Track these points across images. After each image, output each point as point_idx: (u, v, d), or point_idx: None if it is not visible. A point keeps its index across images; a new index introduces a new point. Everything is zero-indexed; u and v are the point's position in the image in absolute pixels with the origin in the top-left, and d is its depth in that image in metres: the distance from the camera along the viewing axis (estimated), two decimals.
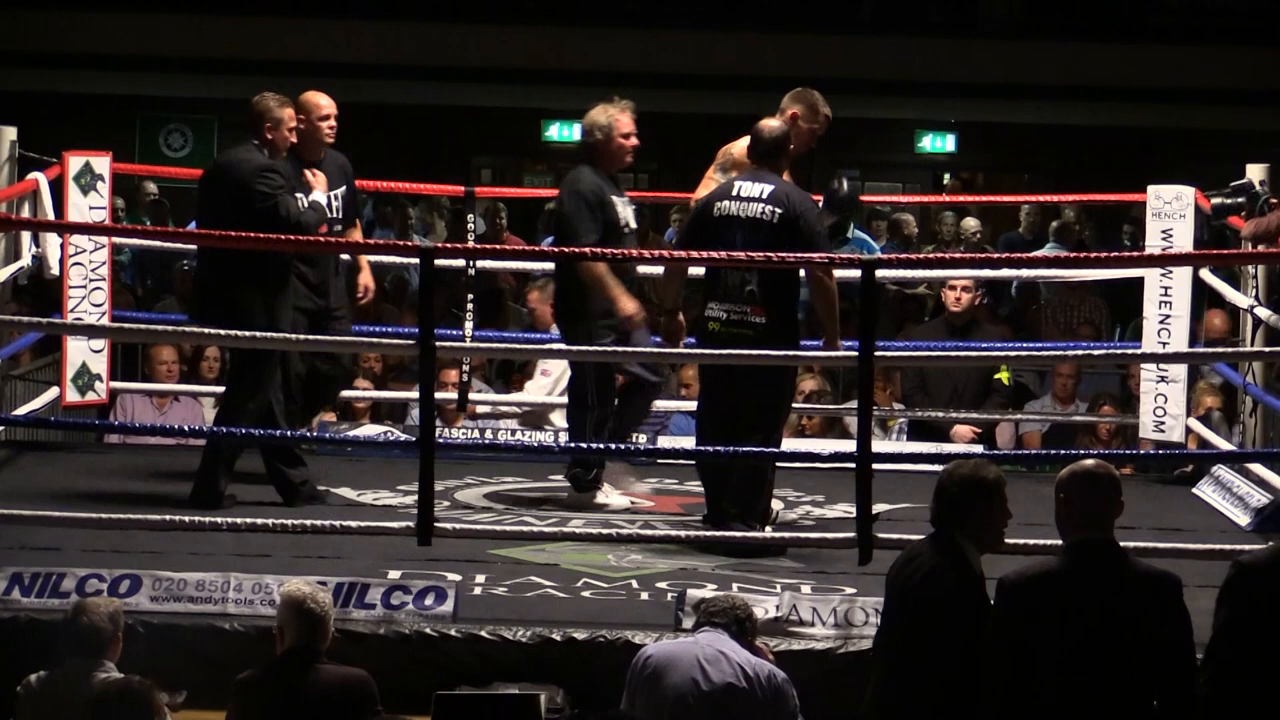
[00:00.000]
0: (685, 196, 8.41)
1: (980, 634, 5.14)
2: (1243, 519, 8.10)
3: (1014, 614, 5.12)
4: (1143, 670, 5.01)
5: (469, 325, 9.28)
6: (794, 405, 8.38)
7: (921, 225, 15.54)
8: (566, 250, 7.89)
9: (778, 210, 7.39)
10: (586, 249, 7.77)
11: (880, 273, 8.07)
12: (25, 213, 8.66)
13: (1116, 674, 5.00)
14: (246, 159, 7.88)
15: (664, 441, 9.12)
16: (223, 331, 8.70)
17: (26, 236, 8.76)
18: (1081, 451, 9.70)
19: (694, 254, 7.41)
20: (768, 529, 7.52)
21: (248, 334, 7.26)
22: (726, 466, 7.47)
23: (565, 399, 8.60)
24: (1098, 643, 5.00)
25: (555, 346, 9.64)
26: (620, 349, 8.54)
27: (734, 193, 7.47)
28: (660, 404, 9.06)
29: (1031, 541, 7.13)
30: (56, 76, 17.20)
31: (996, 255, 11.43)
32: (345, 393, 10.15)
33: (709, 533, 7.42)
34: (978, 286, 9.88)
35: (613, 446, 8.05)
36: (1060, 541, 5.22)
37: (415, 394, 8.36)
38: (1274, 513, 7.97)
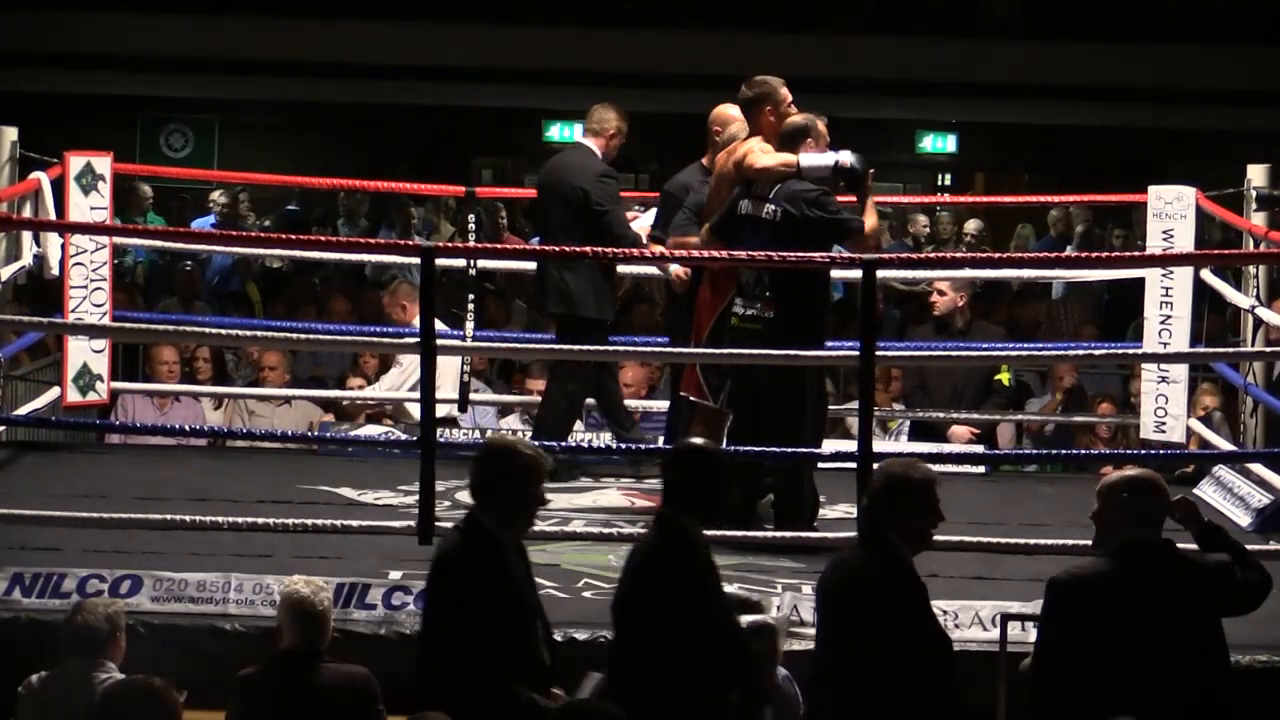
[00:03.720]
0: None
1: (907, 634, 5.13)
2: (1244, 519, 8.10)
3: (1065, 613, 5.13)
4: (1193, 666, 5.05)
5: (469, 325, 9.29)
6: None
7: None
8: (565, 250, 7.91)
9: (779, 210, 7.45)
10: (588, 250, 7.81)
11: (880, 273, 8.06)
12: (27, 212, 8.66)
13: (1170, 671, 5.02)
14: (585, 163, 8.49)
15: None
16: (223, 331, 8.74)
17: (28, 236, 8.77)
18: (1082, 452, 9.75)
19: (694, 254, 7.50)
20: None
21: (265, 334, 7.28)
22: (747, 466, 7.53)
23: (416, 393, 8.81)
24: (1151, 640, 5.01)
25: (556, 347, 9.66)
26: (620, 348, 8.59)
27: (752, 191, 7.59)
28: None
29: (1032, 541, 7.17)
30: (57, 76, 17.18)
31: (997, 255, 11.41)
32: (345, 392, 10.18)
33: (709, 532, 7.41)
34: (965, 288, 9.82)
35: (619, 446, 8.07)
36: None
37: (415, 394, 8.36)
38: (1275, 513, 7.98)
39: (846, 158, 7.57)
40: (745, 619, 5.57)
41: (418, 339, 7.11)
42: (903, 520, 5.27)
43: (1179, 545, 5.28)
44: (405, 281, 10.26)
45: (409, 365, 9.65)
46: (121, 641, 5.51)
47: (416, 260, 8.76)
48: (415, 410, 9.57)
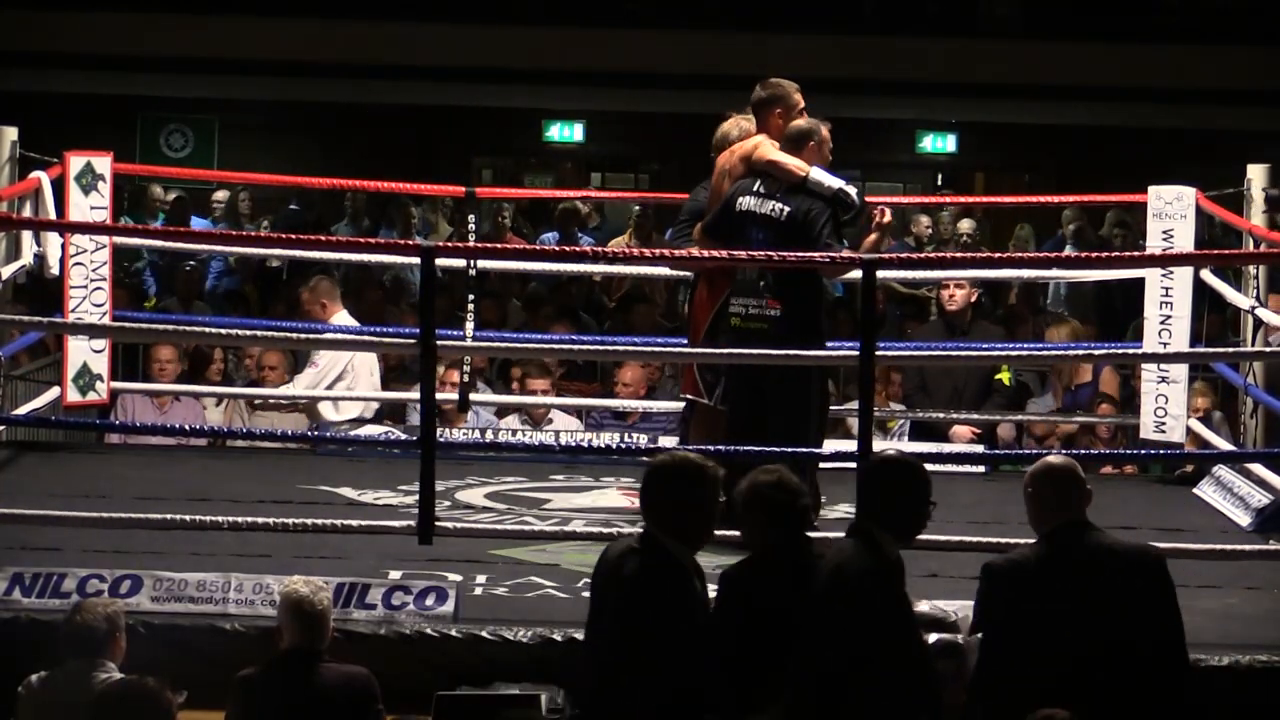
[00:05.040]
0: (685, 197, 8.42)
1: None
2: (1243, 519, 8.10)
3: (999, 598, 5.19)
4: (1131, 646, 5.05)
5: (470, 325, 9.28)
6: None
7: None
8: (566, 250, 7.92)
9: (785, 208, 7.48)
10: (589, 249, 7.81)
11: (880, 273, 8.07)
12: (27, 212, 8.66)
13: (1105, 651, 5.03)
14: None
15: (666, 441, 9.11)
16: (222, 331, 8.74)
17: (28, 236, 8.77)
18: (1082, 451, 9.75)
19: (693, 254, 7.48)
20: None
21: (265, 334, 7.26)
22: (745, 466, 7.52)
23: (334, 390, 8.83)
24: (1083, 621, 5.03)
25: (556, 347, 9.67)
26: (620, 348, 8.59)
27: (754, 189, 7.57)
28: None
29: (1032, 541, 7.16)
30: (57, 76, 17.17)
31: (997, 255, 11.40)
32: (344, 393, 10.17)
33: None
34: (973, 285, 9.87)
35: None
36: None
37: (416, 394, 8.36)
38: (1274, 513, 7.98)
39: (851, 190, 7.58)
40: (932, 637, 5.52)
41: (418, 339, 7.09)
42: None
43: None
44: (325, 278, 10.27)
45: (325, 364, 9.67)
46: (121, 641, 5.50)
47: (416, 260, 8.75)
48: (326, 410, 9.70)
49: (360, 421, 9.68)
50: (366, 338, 9.69)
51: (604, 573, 5.23)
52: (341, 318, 9.86)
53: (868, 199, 7.78)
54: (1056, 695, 4.92)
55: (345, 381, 9.75)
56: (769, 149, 7.61)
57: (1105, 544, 5.24)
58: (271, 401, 10.10)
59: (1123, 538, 5.34)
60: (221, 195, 14.87)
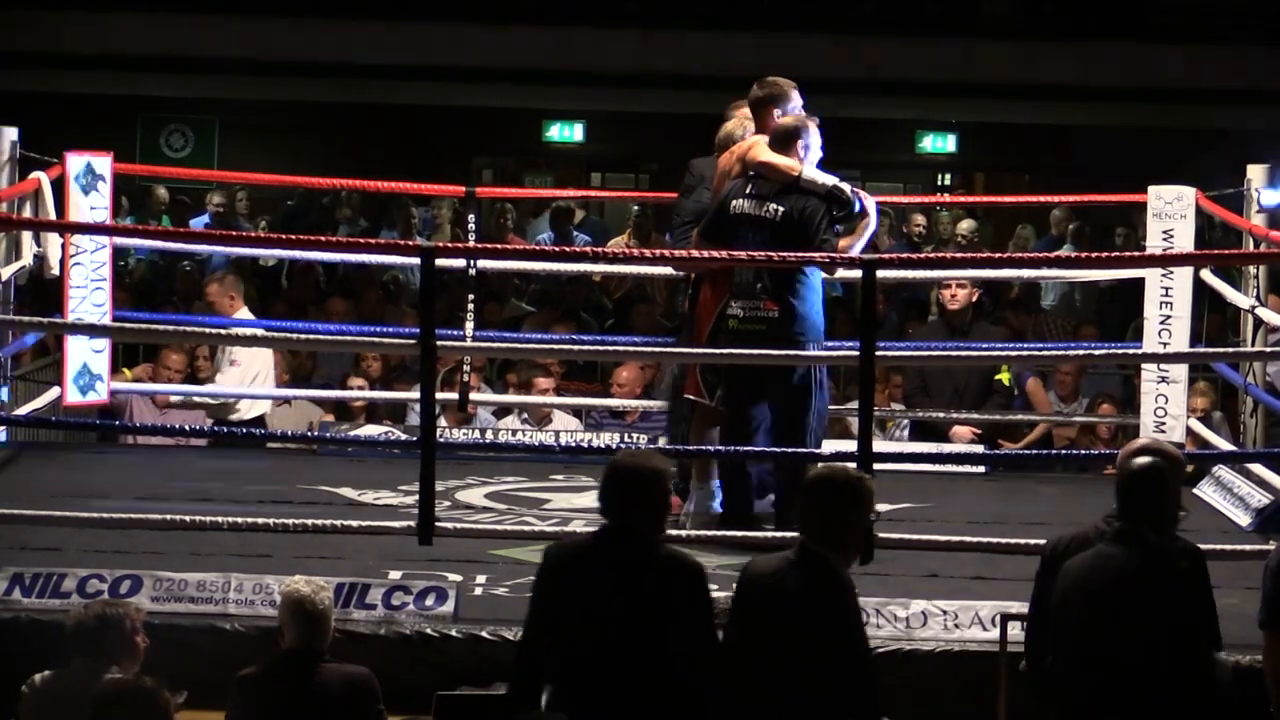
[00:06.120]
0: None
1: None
2: (1243, 519, 8.11)
3: (1049, 575, 5.31)
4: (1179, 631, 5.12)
5: (469, 325, 9.29)
6: None
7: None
8: (566, 250, 7.92)
9: (780, 208, 7.46)
10: (588, 250, 7.80)
11: (880, 273, 8.06)
12: (27, 212, 8.66)
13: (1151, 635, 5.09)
14: None
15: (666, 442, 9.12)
16: (221, 330, 8.74)
17: (28, 236, 8.77)
18: (1081, 452, 9.75)
19: (693, 254, 7.49)
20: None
21: (249, 333, 7.28)
22: (745, 467, 7.53)
23: (255, 388, 8.86)
24: (1134, 603, 5.07)
25: (556, 347, 9.67)
26: (620, 348, 8.58)
27: (747, 190, 7.56)
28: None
29: (1032, 541, 7.16)
30: (57, 76, 17.18)
31: (997, 255, 11.40)
32: (344, 393, 10.19)
33: (709, 532, 7.43)
34: (974, 284, 9.87)
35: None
36: None
37: (416, 394, 8.36)
38: (1274, 513, 7.98)
39: (845, 187, 7.56)
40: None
41: (418, 339, 7.09)
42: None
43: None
44: (231, 273, 10.29)
45: (247, 363, 9.65)
46: (140, 642, 5.45)
47: (416, 260, 8.75)
48: (243, 407, 9.76)
49: (257, 422, 9.72)
50: (366, 338, 9.69)
51: (761, 586, 5.22)
52: (244, 313, 9.88)
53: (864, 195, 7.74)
54: (1104, 676, 5.00)
55: (260, 378, 9.78)
56: (761, 149, 7.61)
57: (1160, 545, 5.29)
58: (175, 400, 10.11)
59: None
60: (218, 197, 14.84)
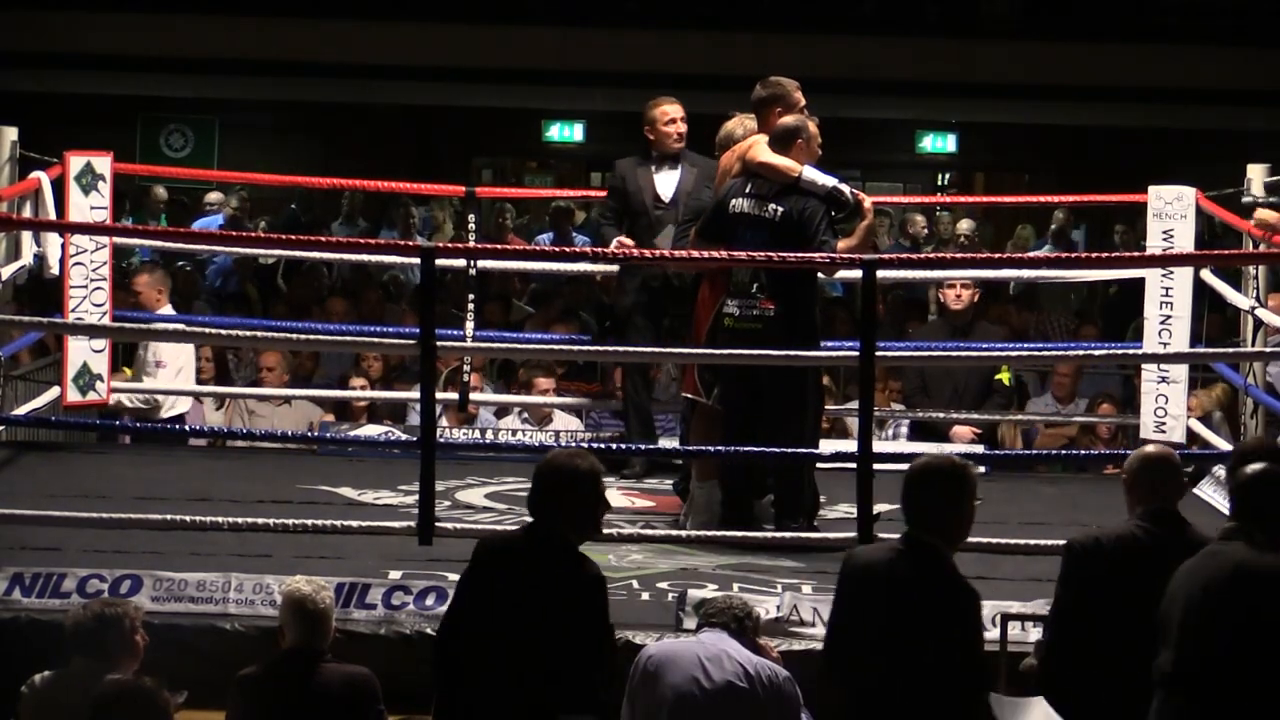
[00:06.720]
0: None
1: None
2: None
3: (1078, 576, 5.34)
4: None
5: (469, 325, 9.28)
6: None
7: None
8: (566, 250, 7.92)
9: (779, 208, 7.46)
10: (588, 250, 7.81)
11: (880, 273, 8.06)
12: (27, 212, 8.66)
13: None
14: None
15: (666, 442, 9.12)
16: (221, 331, 8.74)
17: (28, 236, 8.77)
18: (1081, 452, 9.75)
19: (695, 254, 7.49)
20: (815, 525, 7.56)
21: (265, 334, 7.23)
22: (744, 466, 7.52)
23: (190, 385, 8.88)
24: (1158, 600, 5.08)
25: (555, 347, 9.67)
26: (619, 349, 8.57)
27: (746, 190, 7.55)
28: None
29: (1032, 541, 7.17)
30: (57, 76, 17.20)
31: (997, 255, 11.41)
32: (344, 393, 10.18)
33: (709, 532, 7.44)
34: (976, 284, 9.88)
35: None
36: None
37: (416, 394, 8.36)
38: None
39: (845, 187, 7.55)
40: None
41: (418, 339, 7.09)
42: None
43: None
44: (159, 265, 10.32)
45: (172, 362, 9.68)
46: (140, 640, 5.45)
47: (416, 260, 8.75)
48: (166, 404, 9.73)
49: (148, 414, 9.70)
50: (366, 338, 9.69)
51: (868, 575, 5.23)
52: (168, 309, 9.87)
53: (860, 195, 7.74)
54: (1129, 668, 5.03)
55: (184, 375, 9.77)
56: (761, 149, 7.60)
57: (1188, 532, 5.37)
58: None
59: (1201, 530, 5.41)
60: (215, 196, 14.83)
